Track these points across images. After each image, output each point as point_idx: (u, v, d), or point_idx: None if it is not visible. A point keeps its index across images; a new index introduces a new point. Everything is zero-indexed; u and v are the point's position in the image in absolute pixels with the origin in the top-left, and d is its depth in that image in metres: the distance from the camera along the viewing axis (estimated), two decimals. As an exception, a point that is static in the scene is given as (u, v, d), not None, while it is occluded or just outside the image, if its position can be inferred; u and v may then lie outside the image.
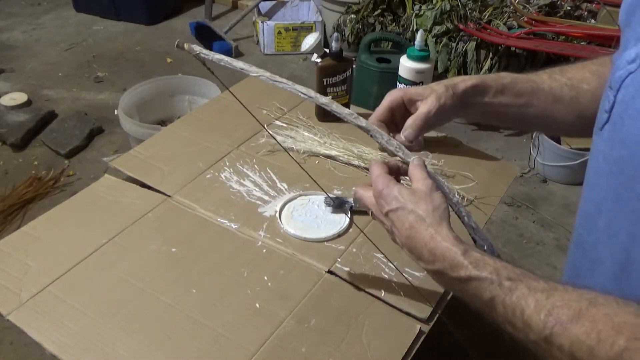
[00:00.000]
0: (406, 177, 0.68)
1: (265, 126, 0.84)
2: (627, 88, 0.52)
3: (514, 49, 2.48)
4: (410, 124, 0.74)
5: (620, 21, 0.68)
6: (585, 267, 0.63)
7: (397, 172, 0.68)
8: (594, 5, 2.56)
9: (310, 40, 1.21)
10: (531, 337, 0.53)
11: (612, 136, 0.55)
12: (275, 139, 0.92)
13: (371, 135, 0.67)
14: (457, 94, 0.76)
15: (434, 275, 0.62)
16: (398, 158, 0.68)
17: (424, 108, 0.74)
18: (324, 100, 0.67)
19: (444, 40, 2.61)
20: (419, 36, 1.11)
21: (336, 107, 0.67)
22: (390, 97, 0.76)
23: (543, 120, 0.80)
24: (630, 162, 0.51)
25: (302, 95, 0.68)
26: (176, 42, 0.70)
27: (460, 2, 2.61)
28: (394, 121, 0.77)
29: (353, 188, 0.69)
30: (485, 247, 0.67)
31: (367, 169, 1.01)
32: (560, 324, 0.51)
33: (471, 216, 0.68)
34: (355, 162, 1.10)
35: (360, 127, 0.67)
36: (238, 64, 0.69)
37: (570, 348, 0.50)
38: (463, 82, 0.77)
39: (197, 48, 0.69)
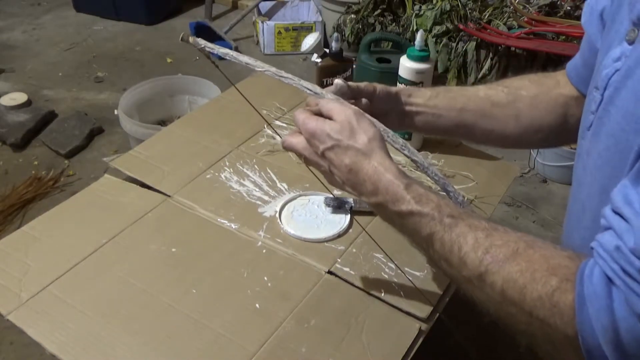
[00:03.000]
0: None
1: (268, 122, 0.83)
2: (614, 84, 0.52)
3: (514, 49, 2.48)
4: (336, 83, 0.73)
5: (584, 22, 0.68)
6: None
7: (321, 115, 0.67)
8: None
9: (310, 41, 1.21)
10: (464, 273, 0.54)
11: (598, 131, 0.55)
12: (279, 134, 0.92)
13: None
14: (392, 89, 0.77)
15: (375, 208, 0.62)
16: (315, 99, 0.68)
17: (357, 83, 0.75)
18: (330, 96, 0.67)
19: (444, 40, 2.61)
20: (419, 36, 1.11)
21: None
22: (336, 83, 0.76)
23: (482, 126, 0.80)
24: (616, 152, 0.51)
25: (308, 92, 0.68)
26: (181, 35, 0.70)
27: (460, 2, 2.61)
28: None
29: (282, 140, 0.68)
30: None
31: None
32: (496, 262, 0.51)
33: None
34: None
35: None
36: (243, 58, 0.69)
37: (502, 285, 0.51)
38: (399, 86, 0.81)
39: (202, 41, 0.69)
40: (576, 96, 0.76)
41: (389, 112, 0.78)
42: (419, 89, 0.80)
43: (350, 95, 0.72)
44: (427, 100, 0.79)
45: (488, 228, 0.54)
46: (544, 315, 0.48)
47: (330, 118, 0.64)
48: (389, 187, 0.59)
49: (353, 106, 0.66)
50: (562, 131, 0.79)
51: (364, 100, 0.73)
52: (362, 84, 0.74)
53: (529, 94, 0.78)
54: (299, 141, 0.66)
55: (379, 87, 0.76)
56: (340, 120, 0.63)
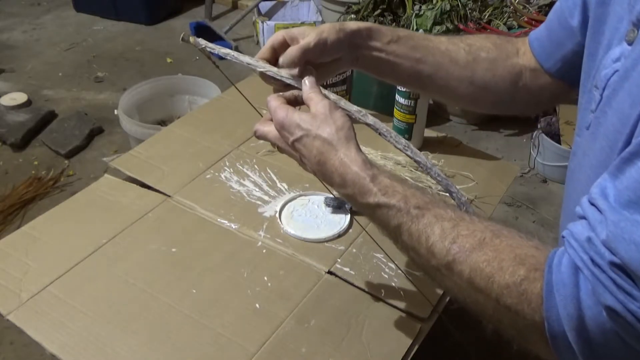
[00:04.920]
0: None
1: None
2: (612, 85, 0.52)
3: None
4: (287, 53, 0.69)
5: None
6: None
7: (295, 102, 0.67)
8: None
9: (310, 40, 1.20)
10: (433, 263, 0.55)
11: (595, 131, 0.55)
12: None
13: (379, 133, 0.66)
14: (345, 31, 0.72)
15: (346, 199, 0.62)
16: (295, 91, 0.67)
17: (303, 41, 0.70)
18: (332, 97, 0.67)
19: (444, 40, 2.60)
20: (419, 36, 1.11)
21: (344, 104, 0.66)
22: (272, 37, 0.72)
23: (437, 81, 0.78)
24: (611, 153, 0.51)
25: (304, 86, 0.67)
26: (181, 35, 0.70)
27: (460, 2, 2.61)
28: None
29: (254, 129, 0.68)
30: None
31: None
32: (463, 252, 0.52)
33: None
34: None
35: (368, 124, 0.66)
36: (245, 58, 0.69)
37: (469, 274, 0.51)
38: (356, 24, 0.74)
39: (203, 42, 0.69)
40: (532, 67, 0.76)
41: (340, 58, 0.74)
42: (380, 29, 0.75)
43: (304, 60, 0.70)
44: (385, 45, 0.75)
45: (455, 218, 0.55)
46: (511, 302, 0.49)
47: (308, 106, 0.64)
48: (355, 180, 0.59)
49: (328, 99, 0.65)
50: (512, 99, 0.79)
51: (309, 68, 0.70)
52: (312, 43, 0.69)
53: (488, 57, 0.77)
54: (270, 130, 0.66)
55: (330, 39, 0.70)
56: (316, 111, 0.62)
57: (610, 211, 0.43)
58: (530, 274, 0.48)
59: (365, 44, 0.74)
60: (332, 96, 0.67)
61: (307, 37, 0.70)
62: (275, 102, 0.64)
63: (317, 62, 0.70)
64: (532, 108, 0.83)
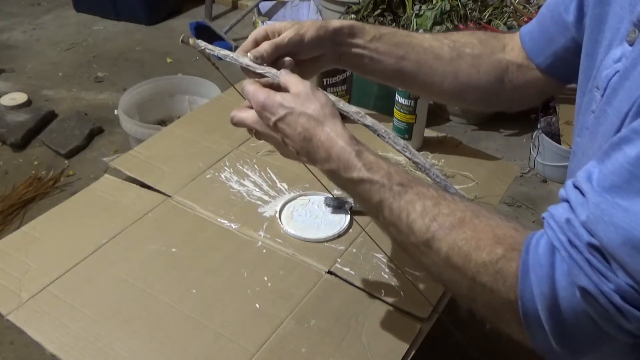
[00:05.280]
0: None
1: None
2: (613, 85, 0.53)
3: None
4: (260, 47, 0.70)
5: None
6: None
7: (271, 88, 0.66)
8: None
9: (310, 40, 1.20)
10: (412, 239, 0.55)
11: (595, 131, 0.55)
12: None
13: (378, 134, 0.66)
14: (327, 28, 0.73)
15: (328, 175, 0.62)
16: (269, 77, 0.66)
17: (279, 37, 0.71)
18: (331, 98, 0.67)
19: (444, 40, 2.60)
20: (419, 36, 1.11)
21: (343, 105, 0.66)
22: (255, 31, 0.73)
23: (421, 77, 0.78)
24: None
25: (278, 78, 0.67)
26: (181, 37, 0.70)
27: (460, 2, 2.61)
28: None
29: (231, 115, 0.67)
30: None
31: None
32: (442, 229, 0.53)
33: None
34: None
35: (366, 125, 0.66)
36: (244, 60, 0.69)
37: (447, 252, 0.52)
38: (339, 22, 0.75)
39: (203, 43, 0.69)
40: (519, 63, 0.76)
41: (322, 55, 0.75)
42: (363, 27, 0.76)
43: (277, 54, 0.70)
44: (368, 42, 0.75)
45: (436, 196, 0.55)
46: (487, 280, 0.49)
47: (286, 90, 0.64)
48: (341, 154, 0.59)
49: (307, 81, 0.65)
50: (497, 95, 0.79)
51: (287, 59, 0.70)
52: (286, 40, 0.70)
53: (472, 53, 0.77)
54: (248, 115, 0.65)
55: (309, 35, 0.71)
56: (297, 90, 0.62)
57: (592, 193, 0.43)
58: (507, 254, 0.49)
59: (348, 41, 0.75)
60: (331, 97, 0.67)
61: (287, 32, 0.71)
62: (253, 86, 0.64)
63: (297, 57, 0.71)
64: (518, 104, 0.83)
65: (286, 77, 0.65)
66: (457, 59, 0.77)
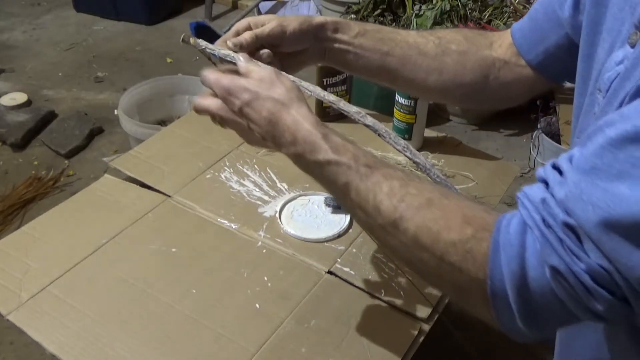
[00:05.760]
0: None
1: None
2: (614, 87, 0.52)
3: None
4: (240, 36, 0.70)
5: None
6: None
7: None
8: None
9: (310, 40, 1.20)
10: (379, 221, 0.54)
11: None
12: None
13: (378, 134, 0.66)
14: (311, 23, 0.73)
15: (294, 159, 0.62)
16: (232, 65, 0.67)
17: (263, 27, 0.71)
18: (331, 98, 0.67)
19: (444, 40, 2.60)
20: (419, 36, 1.11)
21: (343, 105, 0.66)
22: (238, 23, 0.73)
23: (405, 73, 0.78)
24: None
25: (309, 92, 0.68)
26: (182, 36, 0.70)
27: (460, 2, 2.61)
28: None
29: (193, 104, 0.67)
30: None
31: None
32: (410, 209, 0.52)
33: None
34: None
35: (367, 125, 0.66)
36: (244, 58, 0.69)
37: (415, 232, 0.51)
38: (324, 18, 0.75)
39: (203, 43, 0.69)
40: (506, 60, 0.76)
41: (306, 50, 0.75)
42: (348, 23, 0.76)
43: (252, 48, 0.70)
44: (352, 38, 0.75)
45: (404, 178, 0.55)
46: (456, 260, 0.48)
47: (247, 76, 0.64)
48: (307, 136, 0.59)
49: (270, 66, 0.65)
50: (483, 92, 0.78)
51: (265, 51, 0.70)
52: (267, 30, 0.70)
53: (458, 49, 0.77)
54: (212, 102, 0.65)
55: (291, 27, 0.71)
56: (260, 76, 0.62)
57: (571, 172, 0.43)
58: (477, 234, 0.48)
59: (332, 37, 0.75)
60: (332, 97, 0.67)
61: (267, 24, 0.71)
62: (214, 74, 0.64)
63: (279, 50, 0.71)
64: (505, 101, 0.82)
65: (246, 65, 0.65)
66: (442, 55, 0.77)
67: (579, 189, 0.41)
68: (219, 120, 0.66)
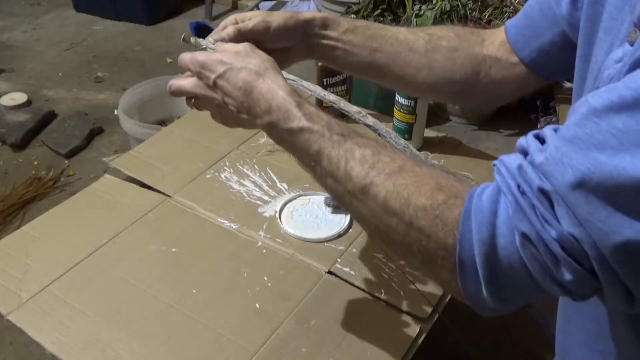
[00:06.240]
0: None
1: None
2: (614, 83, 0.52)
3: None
4: (226, 29, 0.70)
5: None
6: None
7: None
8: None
9: (310, 40, 1.20)
10: (349, 187, 0.54)
11: None
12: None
13: (379, 134, 0.66)
14: (297, 19, 0.73)
15: (266, 128, 0.61)
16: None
17: (247, 22, 0.72)
18: (332, 97, 0.67)
19: (444, 40, 2.60)
20: (419, 36, 1.11)
21: (344, 105, 0.66)
22: (225, 20, 0.73)
23: (394, 69, 0.77)
24: None
25: (309, 92, 0.68)
26: (182, 36, 0.70)
27: (460, 2, 2.61)
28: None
29: (168, 85, 0.67)
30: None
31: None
32: (381, 175, 0.52)
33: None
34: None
35: (367, 125, 0.66)
36: None
37: (385, 197, 0.51)
38: (312, 13, 0.75)
39: (204, 42, 0.69)
40: (498, 57, 0.75)
41: (293, 46, 0.75)
42: (337, 20, 0.76)
43: (240, 40, 0.70)
44: (341, 34, 0.75)
45: (376, 146, 0.55)
46: (425, 225, 0.48)
47: None
48: (281, 104, 0.59)
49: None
50: (473, 89, 0.78)
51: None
52: (250, 25, 0.70)
53: (448, 46, 0.77)
54: (187, 81, 0.65)
55: (275, 23, 0.72)
56: (235, 49, 0.63)
57: (553, 138, 0.42)
58: (449, 200, 0.48)
59: (320, 33, 0.75)
60: (332, 97, 0.67)
61: (252, 19, 0.71)
62: (189, 54, 0.64)
63: (264, 46, 0.70)
64: (495, 99, 0.82)
65: (224, 44, 0.66)
66: (432, 51, 0.76)
67: (559, 152, 0.41)
68: (194, 100, 0.66)
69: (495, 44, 0.77)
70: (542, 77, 0.74)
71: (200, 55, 0.63)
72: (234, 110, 0.63)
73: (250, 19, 0.72)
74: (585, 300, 0.44)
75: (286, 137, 0.60)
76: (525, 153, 0.45)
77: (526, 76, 0.75)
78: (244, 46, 0.63)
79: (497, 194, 0.45)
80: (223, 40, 0.69)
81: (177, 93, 0.67)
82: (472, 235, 0.45)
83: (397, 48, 0.76)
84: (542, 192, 0.41)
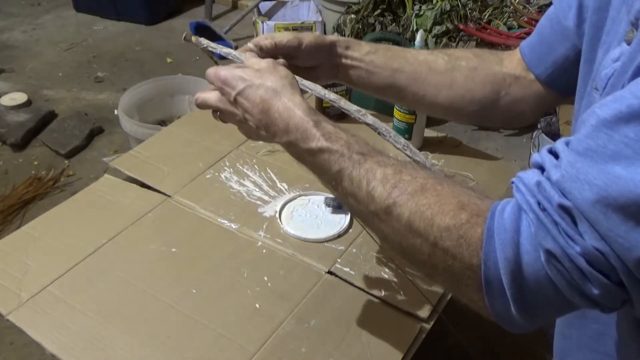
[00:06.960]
0: None
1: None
2: (610, 84, 0.52)
3: (514, 49, 2.48)
4: (264, 39, 0.72)
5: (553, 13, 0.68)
6: None
7: None
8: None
9: (310, 40, 1.20)
10: (372, 208, 0.54)
11: None
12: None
13: (379, 133, 0.66)
14: (325, 39, 0.75)
15: (287, 147, 0.62)
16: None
17: (281, 37, 0.73)
18: (332, 96, 0.67)
19: (444, 40, 2.61)
20: (419, 36, 1.12)
21: (344, 104, 0.66)
22: (257, 37, 0.75)
23: (415, 89, 0.78)
24: None
25: (309, 91, 0.68)
26: (183, 35, 0.71)
27: (460, 2, 2.61)
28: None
29: (195, 97, 0.69)
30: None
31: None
32: (404, 195, 0.52)
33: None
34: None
35: (367, 124, 0.66)
36: (246, 57, 0.69)
37: (409, 217, 0.51)
38: (336, 36, 0.77)
39: (205, 41, 0.69)
40: (517, 75, 0.76)
41: (320, 65, 0.77)
42: (359, 42, 0.78)
43: (270, 54, 0.72)
44: (363, 55, 0.77)
45: (397, 165, 0.55)
46: (450, 245, 0.48)
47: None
48: (299, 124, 0.59)
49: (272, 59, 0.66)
50: (493, 108, 0.78)
51: (281, 60, 0.71)
52: (285, 40, 0.72)
53: (468, 65, 0.77)
54: (212, 95, 0.66)
55: (307, 40, 0.73)
56: (258, 66, 0.64)
57: (567, 153, 0.42)
58: (472, 219, 0.48)
59: (345, 53, 0.77)
60: (332, 96, 0.67)
61: (285, 35, 0.73)
62: (214, 69, 0.65)
63: (295, 63, 0.72)
64: (516, 118, 0.82)
65: (249, 60, 0.66)
66: (452, 70, 0.77)
67: (575, 168, 0.41)
68: (219, 114, 0.67)
69: (513, 63, 0.77)
70: (559, 93, 0.75)
71: (222, 71, 0.64)
72: (253, 127, 0.64)
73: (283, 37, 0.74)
74: (614, 311, 0.44)
75: (306, 157, 0.60)
76: (541, 168, 0.45)
77: (544, 93, 0.75)
78: (267, 62, 0.64)
79: (518, 211, 0.45)
80: (261, 48, 0.70)
81: (202, 106, 0.68)
82: (496, 254, 0.45)
83: (418, 68, 0.77)
84: (563, 208, 0.41)
